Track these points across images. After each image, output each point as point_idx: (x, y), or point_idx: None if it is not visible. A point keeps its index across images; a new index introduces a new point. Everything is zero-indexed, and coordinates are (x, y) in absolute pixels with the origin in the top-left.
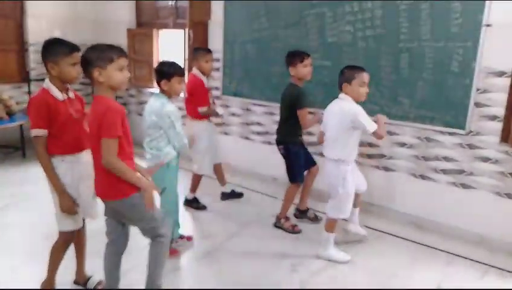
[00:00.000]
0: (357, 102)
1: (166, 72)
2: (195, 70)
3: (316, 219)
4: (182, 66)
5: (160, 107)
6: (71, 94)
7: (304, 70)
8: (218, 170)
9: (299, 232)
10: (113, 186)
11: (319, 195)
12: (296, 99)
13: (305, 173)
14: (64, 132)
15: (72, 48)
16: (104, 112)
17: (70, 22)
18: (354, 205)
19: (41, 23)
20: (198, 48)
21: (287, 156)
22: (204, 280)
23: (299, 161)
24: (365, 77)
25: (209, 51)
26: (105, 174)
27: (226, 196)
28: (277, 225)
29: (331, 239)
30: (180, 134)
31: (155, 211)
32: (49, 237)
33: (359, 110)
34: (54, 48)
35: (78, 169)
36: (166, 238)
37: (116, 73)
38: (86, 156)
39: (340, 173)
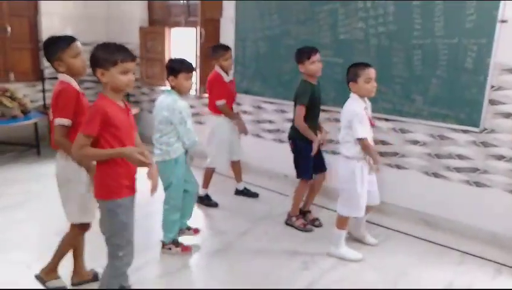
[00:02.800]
0: (369, 98)
1: (174, 68)
2: (217, 68)
3: (313, 222)
4: (192, 63)
5: (172, 103)
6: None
7: (311, 67)
8: (235, 167)
9: (310, 230)
10: (98, 183)
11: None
12: (297, 95)
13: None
14: (80, 124)
15: (69, 40)
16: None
17: (83, 20)
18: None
19: (54, 21)
20: (216, 47)
21: (295, 151)
22: (215, 277)
23: (306, 158)
24: (370, 72)
25: (226, 48)
26: (97, 171)
27: (239, 193)
28: (288, 223)
29: (341, 237)
30: (191, 130)
31: (127, 232)
32: (61, 233)
33: (356, 113)
34: (52, 46)
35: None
36: (122, 265)
37: (119, 76)
38: None
39: (349, 169)
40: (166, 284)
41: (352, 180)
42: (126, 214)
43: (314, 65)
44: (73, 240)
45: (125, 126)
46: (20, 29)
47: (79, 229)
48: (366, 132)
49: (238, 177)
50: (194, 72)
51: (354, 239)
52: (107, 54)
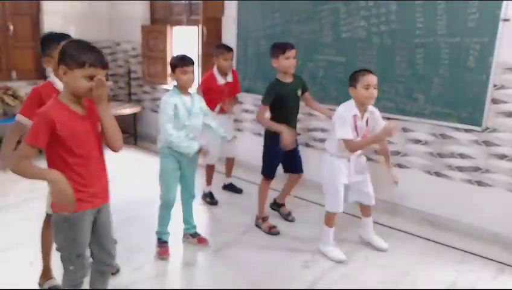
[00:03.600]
0: (365, 104)
1: (171, 64)
2: (214, 69)
3: (288, 216)
4: (190, 57)
5: (163, 97)
6: None
7: (285, 62)
8: (229, 163)
9: (276, 233)
10: (50, 194)
11: None
12: (264, 93)
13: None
14: None
15: (63, 39)
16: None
17: (85, 19)
18: (365, 215)
19: (57, 20)
20: (219, 45)
21: (263, 145)
22: (215, 276)
23: (271, 155)
24: (370, 78)
25: (229, 49)
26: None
27: (225, 188)
28: (256, 225)
29: (328, 234)
30: (163, 126)
31: (75, 247)
32: None
33: (340, 115)
34: (46, 42)
35: None
36: (75, 278)
37: (81, 80)
38: None
39: (328, 165)
40: (165, 283)
41: (331, 175)
42: (73, 229)
43: (288, 61)
44: (45, 235)
45: (78, 135)
46: (23, 27)
47: (48, 221)
48: (345, 133)
49: (228, 173)
50: (191, 66)
51: (366, 243)
52: (76, 52)
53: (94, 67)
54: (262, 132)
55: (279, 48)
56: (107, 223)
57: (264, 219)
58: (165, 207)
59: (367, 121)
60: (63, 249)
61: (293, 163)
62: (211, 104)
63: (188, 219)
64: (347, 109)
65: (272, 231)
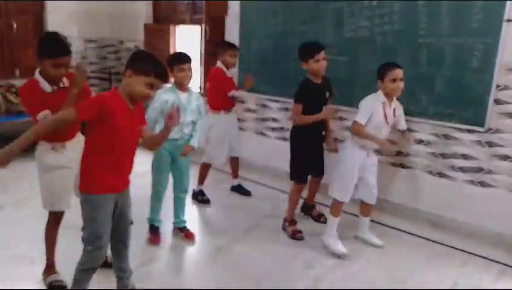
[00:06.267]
0: (394, 97)
1: (168, 62)
2: (218, 63)
3: (319, 218)
4: (186, 54)
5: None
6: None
7: (315, 65)
8: (233, 163)
9: (300, 239)
10: (79, 173)
11: None
12: (295, 93)
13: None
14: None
15: (59, 51)
16: None
17: (88, 17)
18: (364, 214)
19: (60, 18)
20: (224, 42)
21: (291, 151)
22: (217, 276)
23: (299, 159)
24: (396, 73)
25: (236, 47)
26: (81, 161)
27: (233, 189)
28: (282, 227)
29: (333, 225)
30: (146, 114)
31: (95, 228)
32: (66, 229)
33: (364, 103)
34: (41, 46)
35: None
36: (87, 260)
37: (142, 86)
38: (72, 144)
39: (346, 150)
40: (167, 282)
41: (346, 161)
42: (94, 210)
43: (318, 64)
44: (48, 230)
45: (124, 127)
46: (26, 26)
47: (51, 219)
48: (360, 118)
49: (234, 174)
50: (188, 63)
51: (362, 241)
52: (146, 62)
53: (157, 79)
54: (265, 131)
55: (308, 52)
56: (128, 207)
57: (291, 223)
58: (156, 196)
59: (394, 112)
60: (84, 228)
61: (317, 164)
62: (220, 101)
63: (178, 213)
64: (375, 98)
65: (296, 236)
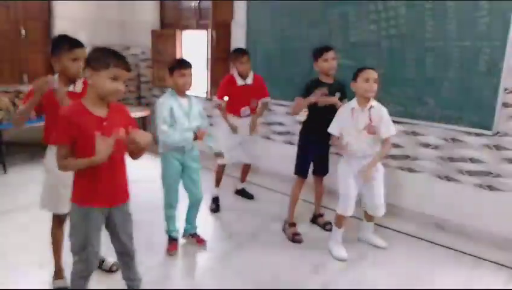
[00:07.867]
0: (370, 98)
1: (169, 68)
2: (233, 71)
3: (325, 226)
4: (186, 60)
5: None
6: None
7: (323, 64)
8: (245, 168)
9: (297, 242)
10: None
11: None
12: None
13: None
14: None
15: (74, 44)
16: None
17: (96, 23)
18: (368, 220)
19: (68, 24)
20: (232, 52)
21: (297, 145)
22: (224, 279)
23: (301, 154)
24: (368, 73)
25: (242, 52)
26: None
27: (237, 192)
28: (283, 229)
29: (336, 233)
30: (158, 127)
31: (78, 239)
32: None
33: (339, 112)
34: (57, 44)
35: None
36: (76, 271)
37: (106, 81)
38: None
39: (339, 165)
40: (174, 285)
41: (340, 174)
42: (79, 221)
43: (326, 63)
44: (53, 233)
45: (93, 137)
46: (34, 32)
47: (55, 221)
48: (333, 129)
49: (243, 177)
50: (189, 69)
51: (365, 242)
52: (101, 55)
53: (118, 68)
54: (272, 136)
55: (317, 52)
56: (125, 222)
57: (291, 225)
58: (168, 208)
59: (370, 116)
60: (70, 238)
61: (320, 163)
62: (231, 107)
63: (191, 220)
64: (346, 105)
65: (295, 239)
